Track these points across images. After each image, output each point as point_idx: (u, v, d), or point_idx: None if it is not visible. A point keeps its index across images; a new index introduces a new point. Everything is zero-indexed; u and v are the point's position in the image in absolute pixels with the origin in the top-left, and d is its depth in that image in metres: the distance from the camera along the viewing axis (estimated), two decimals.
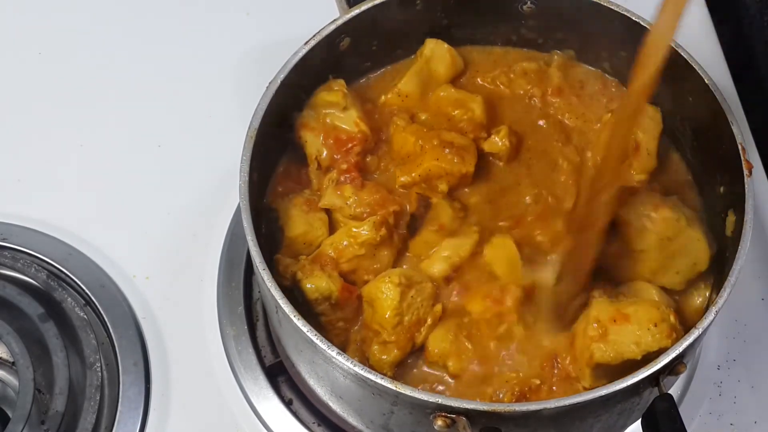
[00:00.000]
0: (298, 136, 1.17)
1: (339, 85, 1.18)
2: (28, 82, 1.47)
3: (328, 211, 1.14)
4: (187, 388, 1.24)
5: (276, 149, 1.18)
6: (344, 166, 1.14)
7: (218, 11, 1.53)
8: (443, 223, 1.14)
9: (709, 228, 1.14)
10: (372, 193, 1.13)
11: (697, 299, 1.11)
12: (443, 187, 1.14)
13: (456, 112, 1.19)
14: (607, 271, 1.11)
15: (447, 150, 1.14)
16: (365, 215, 1.11)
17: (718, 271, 1.10)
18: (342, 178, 1.13)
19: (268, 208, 1.15)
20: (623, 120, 1.05)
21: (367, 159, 1.17)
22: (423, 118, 1.20)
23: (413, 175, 1.14)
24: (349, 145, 1.15)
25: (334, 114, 1.16)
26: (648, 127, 1.17)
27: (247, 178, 1.06)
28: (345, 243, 1.10)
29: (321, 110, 1.16)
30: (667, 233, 1.08)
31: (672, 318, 1.02)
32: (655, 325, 1.01)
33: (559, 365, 1.06)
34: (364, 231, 1.10)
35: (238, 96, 1.43)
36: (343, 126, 1.16)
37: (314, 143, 1.16)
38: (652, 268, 1.09)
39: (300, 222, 1.13)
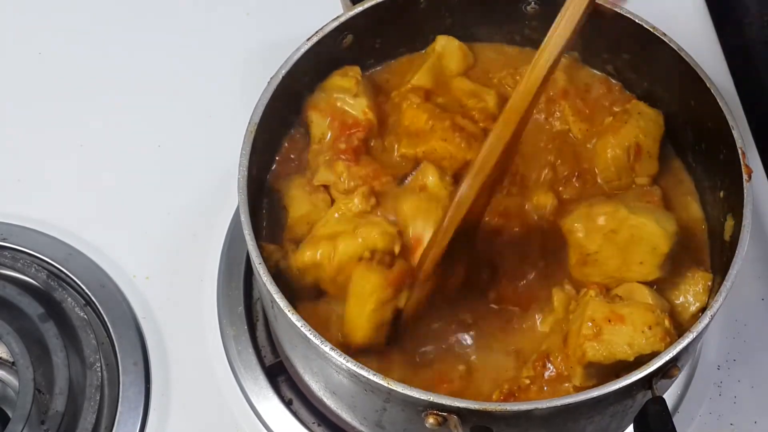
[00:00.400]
0: (305, 116, 1.17)
1: (354, 71, 1.18)
2: (28, 82, 1.47)
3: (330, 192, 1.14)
4: (187, 388, 1.24)
5: (277, 137, 1.18)
6: (342, 146, 1.14)
7: (218, 11, 1.53)
8: (425, 185, 1.13)
9: (709, 231, 1.15)
10: (365, 165, 1.13)
11: (695, 303, 1.10)
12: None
13: (470, 101, 1.19)
14: (581, 283, 1.11)
15: (457, 134, 1.14)
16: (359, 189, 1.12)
17: (718, 274, 1.10)
18: (335, 158, 1.13)
19: (271, 189, 1.15)
20: (507, 122, 1.03)
21: (371, 143, 1.16)
22: (439, 101, 1.20)
23: (417, 149, 1.14)
24: (354, 130, 1.15)
25: (345, 99, 1.16)
26: (650, 130, 1.17)
27: (246, 173, 1.06)
28: (337, 216, 1.11)
29: (332, 93, 1.16)
30: (610, 226, 1.07)
31: (666, 322, 1.02)
32: (650, 328, 1.01)
33: (551, 363, 1.06)
34: (355, 203, 1.10)
35: (238, 96, 1.42)
36: (352, 112, 1.16)
37: (320, 125, 1.16)
38: (615, 265, 1.08)
39: (303, 202, 1.13)
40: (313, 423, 1.22)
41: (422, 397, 0.94)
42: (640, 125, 1.17)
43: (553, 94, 1.21)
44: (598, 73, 1.24)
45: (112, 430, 1.20)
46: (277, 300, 0.99)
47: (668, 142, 1.20)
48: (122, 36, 1.50)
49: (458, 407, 0.93)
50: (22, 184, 1.38)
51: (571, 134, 1.20)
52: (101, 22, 1.51)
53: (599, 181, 1.17)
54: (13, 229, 1.32)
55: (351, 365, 0.96)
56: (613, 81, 1.24)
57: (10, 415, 1.25)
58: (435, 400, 0.93)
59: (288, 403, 1.23)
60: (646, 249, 1.07)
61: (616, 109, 1.21)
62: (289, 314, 0.98)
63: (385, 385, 0.95)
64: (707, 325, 0.99)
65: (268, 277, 1.01)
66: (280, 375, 1.25)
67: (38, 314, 1.22)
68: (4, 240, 1.31)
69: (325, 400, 1.11)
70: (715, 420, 1.23)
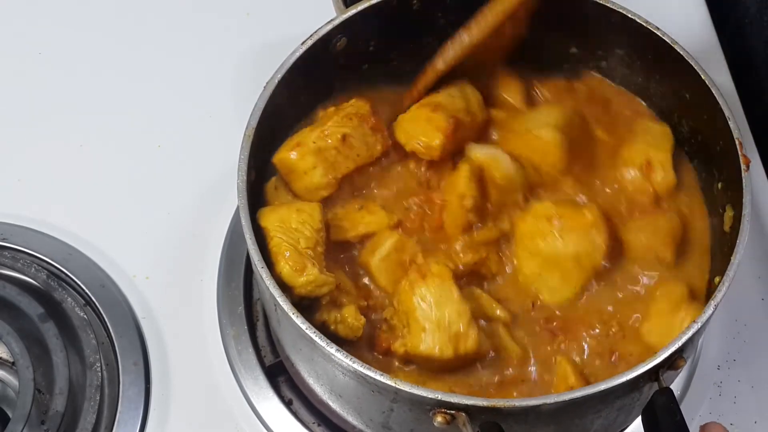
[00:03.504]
0: None
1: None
2: (28, 82, 1.47)
3: None
4: (187, 388, 1.24)
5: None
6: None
7: (218, 11, 1.54)
8: None
9: (710, 225, 1.15)
10: None
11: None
12: None
13: None
14: None
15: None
16: None
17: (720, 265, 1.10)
18: None
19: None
20: None
21: None
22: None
23: None
24: None
25: None
26: (659, 143, 1.17)
27: (245, 177, 1.06)
28: None
29: None
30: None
31: None
32: None
33: None
34: None
35: (237, 96, 1.43)
36: None
37: None
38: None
39: None
40: (313, 423, 1.22)
41: (430, 396, 0.94)
42: (647, 140, 1.17)
43: None
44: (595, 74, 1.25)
45: (112, 430, 1.20)
46: (281, 303, 0.99)
47: None
48: (123, 36, 1.50)
49: (466, 405, 0.93)
50: (22, 184, 1.38)
51: None
52: (101, 23, 1.52)
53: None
54: (13, 229, 1.32)
55: (357, 366, 0.96)
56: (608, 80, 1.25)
57: (10, 415, 1.25)
58: (443, 398, 0.93)
59: (288, 403, 1.23)
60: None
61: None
62: (294, 317, 0.98)
63: (393, 384, 0.94)
64: (712, 315, 0.99)
65: (271, 281, 1.01)
66: (280, 375, 1.25)
67: (38, 314, 1.22)
68: (4, 240, 1.31)
69: (330, 403, 1.11)
70: (715, 420, 1.23)
